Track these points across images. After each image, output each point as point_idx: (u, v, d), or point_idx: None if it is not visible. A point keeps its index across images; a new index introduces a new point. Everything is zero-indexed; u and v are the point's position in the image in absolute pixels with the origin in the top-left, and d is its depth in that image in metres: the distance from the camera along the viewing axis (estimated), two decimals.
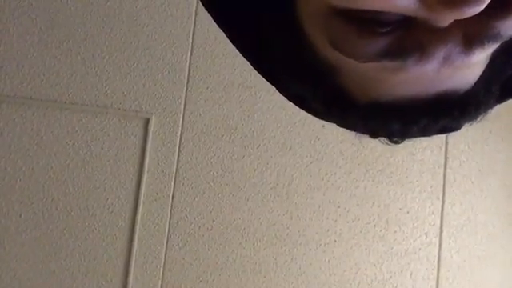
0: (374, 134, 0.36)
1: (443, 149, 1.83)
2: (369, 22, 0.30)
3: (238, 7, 0.38)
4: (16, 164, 1.73)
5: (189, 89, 1.79)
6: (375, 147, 1.79)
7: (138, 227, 1.72)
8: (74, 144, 1.74)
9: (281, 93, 0.40)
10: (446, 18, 0.29)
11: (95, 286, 1.70)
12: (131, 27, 1.80)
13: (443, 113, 0.33)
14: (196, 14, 1.82)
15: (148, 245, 1.73)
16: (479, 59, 0.31)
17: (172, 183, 1.75)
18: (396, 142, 0.36)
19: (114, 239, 1.72)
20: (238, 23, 0.39)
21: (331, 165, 1.79)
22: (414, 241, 1.79)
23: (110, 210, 1.73)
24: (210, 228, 1.74)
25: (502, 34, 0.29)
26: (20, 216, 1.71)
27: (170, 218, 1.74)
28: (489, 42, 0.30)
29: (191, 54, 1.81)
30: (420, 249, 1.78)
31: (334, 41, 0.31)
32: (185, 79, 1.79)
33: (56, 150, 1.74)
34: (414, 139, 0.36)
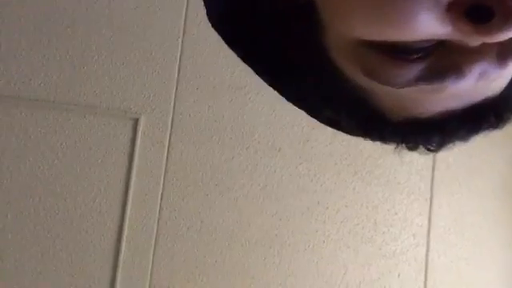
0: (412, 148, 0.37)
1: None
2: (400, 50, 0.30)
3: (263, 38, 0.38)
4: (2, 164, 1.71)
5: (178, 89, 1.79)
6: (364, 149, 1.80)
7: (126, 228, 1.71)
8: (61, 144, 1.73)
9: (311, 116, 0.40)
10: (480, 42, 0.29)
11: (82, 287, 1.69)
12: (120, 26, 1.79)
13: (480, 120, 0.34)
14: (186, 15, 1.81)
15: (136, 245, 1.72)
16: None
17: (161, 184, 1.74)
18: (433, 151, 0.37)
19: (102, 240, 1.71)
20: (263, 52, 0.39)
21: (320, 166, 1.79)
22: (401, 242, 1.80)
23: (98, 210, 1.72)
24: (198, 229, 1.74)
25: None
26: (6, 216, 1.69)
27: (159, 219, 1.73)
28: None
29: (181, 54, 1.80)
30: (408, 250, 1.79)
31: (365, 70, 0.32)
32: (174, 79, 1.79)
33: (43, 150, 1.72)
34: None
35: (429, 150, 0.36)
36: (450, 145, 0.36)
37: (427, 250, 1.80)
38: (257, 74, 0.40)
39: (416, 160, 1.83)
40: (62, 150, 1.73)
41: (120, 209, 1.72)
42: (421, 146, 0.36)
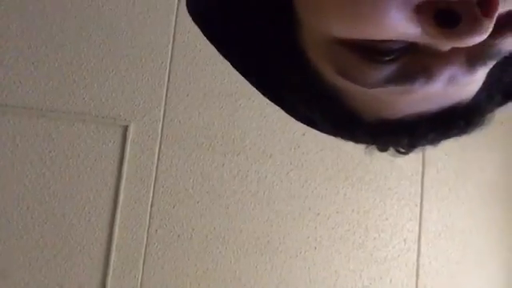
0: (382, 148, 0.37)
1: (421, 156, 1.86)
2: (372, 50, 0.30)
3: (242, 36, 0.39)
4: None
5: (168, 96, 1.78)
6: (355, 155, 1.81)
7: (115, 236, 1.69)
8: (50, 152, 1.71)
9: (288, 114, 0.41)
10: (449, 46, 0.30)
11: None
12: (110, 33, 1.78)
13: (450, 125, 0.34)
14: (176, 21, 1.81)
15: (126, 254, 1.70)
16: (482, 75, 0.32)
17: (151, 191, 1.73)
18: (403, 153, 0.37)
19: (92, 248, 1.69)
20: (243, 50, 0.40)
21: (311, 172, 1.79)
22: (393, 247, 1.80)
23: (88, 218, 1.70)
24: (189, 237, 1.73)
25: (503, 51, 0.30)
26: None
27: (149, 227, 1.72)
28: (491, 59, 0.30)
29: (171, 61, 1.80)
30: (399, 255, 1.80)
31: (339, 69, 0.32)
32: (164, 86, 1.78)
33: (32, 158, 1.70)
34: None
35: (398, 151, 0.37)
36: (420, 147, 0.36)
37: (418, 255, 1.80)
38: (235, 68, 0.41)
39: (406, 165, 1.84)
40: (50, 158, 1.71)
41: (110, 217, 1.70)
42: (390, 147, 0.37)
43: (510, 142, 1.89)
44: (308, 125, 0.40)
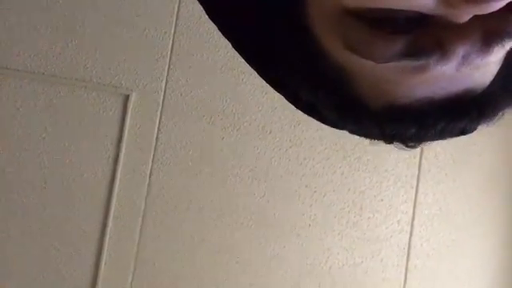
0: (389, 140, 0.35)
1: None
2: (384, 22, 0.29)
3: (244, 14, 0.37)
4: None
5: (171, 67, 1.77)
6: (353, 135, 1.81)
7: (113, 204, 1.71)
8: (50, 117, 1.71)
9: (288, 100, 0.39)
10: (466, 14, 0.28)
11: (68, 262, 1.70)
12: (115, 1, 1.76)
13: (461, 114, 0.32)
14: None
15: (123, 222, 1.72)
16: (497, 57, 0.30)
17: (150, 161, 1.74)
18: (412, 147, 0.35)
19: (89, 215, 1.71)
20: (244, 29, 0.38)
21: (310, 150, 1.80)
22: (386, 228, 1.83)
23: (86, 185, 1.71)
24: (186, 207, 1.75)
25: None
26: None
27: (147, 196, 1.74)
28: (509, 38, 0.29)
29: (175, 32, 1.78)
30: (392, 236, 1.82)
31: (349, 43, 0.30)
32: (167, 57, 1.77)
33: (32, 122, 1.71)
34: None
35: (406, 144, 0.35)
36: (428, 139, 0.34)
37: (410, 237, 1.83)
38: (235, 47, 0.39)
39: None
40: (50, 123, 1.71)
41: (108, 185, 1.72)
42: (397, 139, 0.34)
43: (509, 128, 1.89)
44: (310, 113, 0.38)
